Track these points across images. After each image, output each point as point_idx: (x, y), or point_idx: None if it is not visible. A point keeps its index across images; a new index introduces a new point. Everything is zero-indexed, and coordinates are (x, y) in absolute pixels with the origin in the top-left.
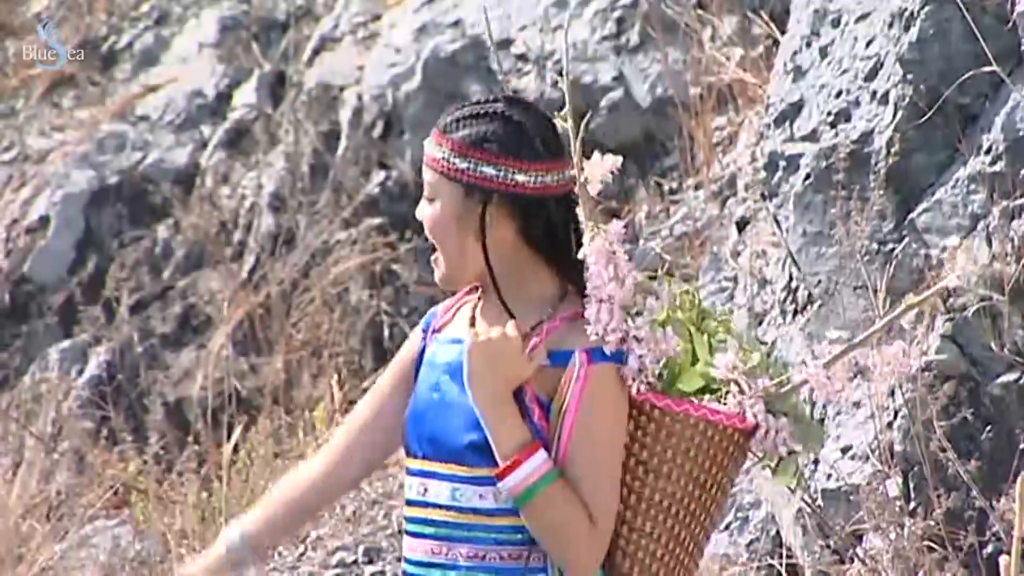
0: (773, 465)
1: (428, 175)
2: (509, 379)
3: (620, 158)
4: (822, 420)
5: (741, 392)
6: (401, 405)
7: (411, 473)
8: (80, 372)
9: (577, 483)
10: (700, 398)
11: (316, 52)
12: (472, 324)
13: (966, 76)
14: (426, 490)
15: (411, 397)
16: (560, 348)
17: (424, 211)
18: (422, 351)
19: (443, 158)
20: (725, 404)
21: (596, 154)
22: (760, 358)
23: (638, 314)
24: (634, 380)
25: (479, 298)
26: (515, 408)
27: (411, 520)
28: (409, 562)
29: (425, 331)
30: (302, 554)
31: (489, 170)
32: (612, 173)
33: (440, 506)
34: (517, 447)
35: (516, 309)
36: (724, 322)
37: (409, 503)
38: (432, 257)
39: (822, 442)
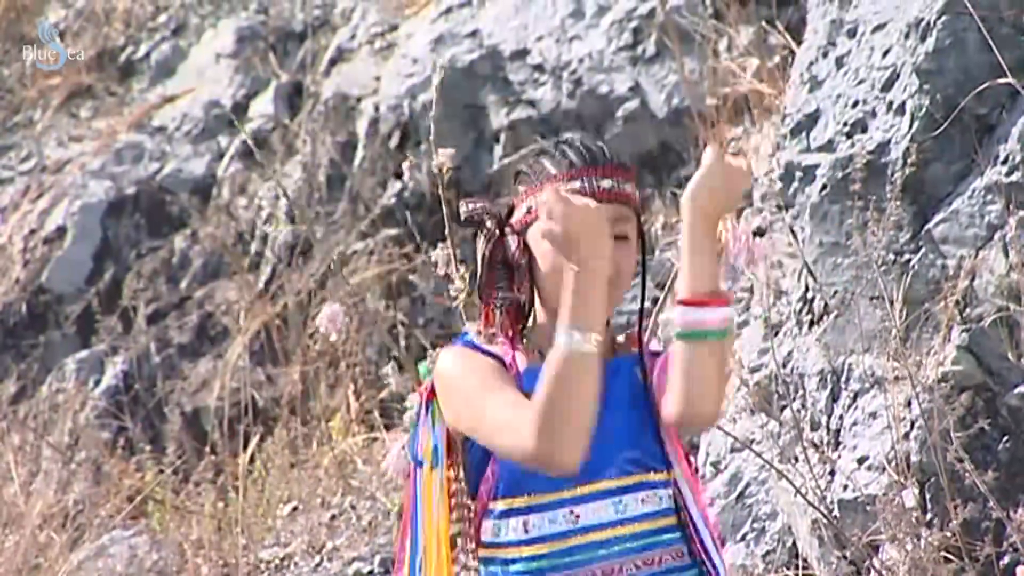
0: None
1: (622, 212)
2: (729, 204)
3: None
4: (838, 430)
5: None
6: None
7: (546, 508)
8: (97, 382)
9: None
10: None
11: (333, 62)
12: (535, 350)
13: (983, 87)
14: (578, 516)
15: None
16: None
17: (615, 253)
18: None
19: (633, 193)
20: None
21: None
22: None
23: None
24: None
25: (521, 334)
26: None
27: (560, 553)
28: None
29: (504, 364)
30: (318, 564)
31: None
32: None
33: (603, 525)
34: (713, 282)
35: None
36: None
37: (550, 538)
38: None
39: None
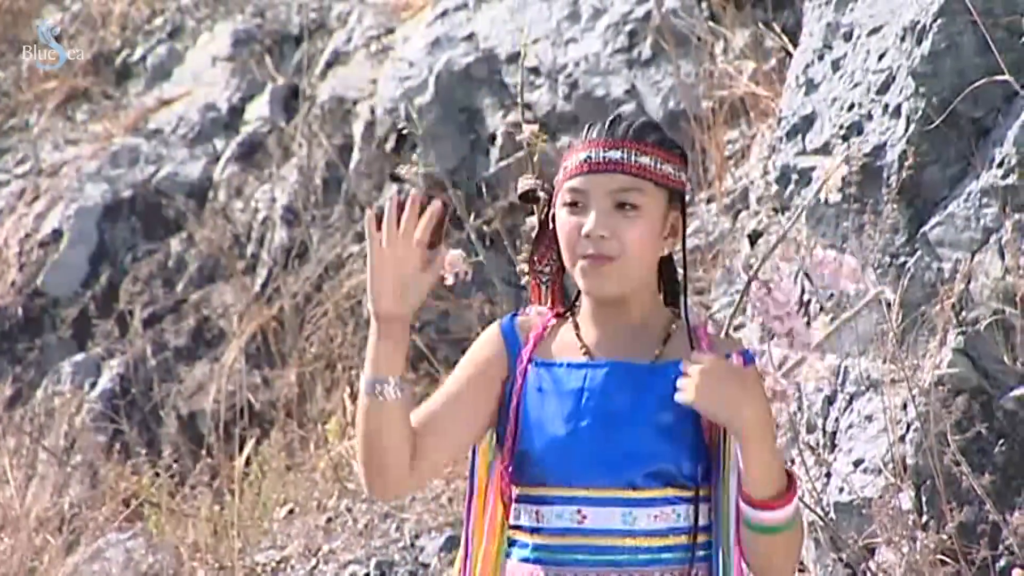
0: None
1: (628, 183)
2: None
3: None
4: (834, 433)
5: None
6: (480, 416)
7: (556, 502)
8: (93, 385)
9: None
10: None
11: (329, 65)
12: (584, 349)
13: (977, 83)
14: (585, 517)
15: (521, 424)
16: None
17: (619, 224)
18: (514, 375)
19: (651, 164)
20: None
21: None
22: None
23: None
24: None
25: (573, 318)
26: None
27: (563, 549)
28: None
29: (514, 353)
30: (314, 567)
31: (683, 176)
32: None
33: (609, 532)
34: (774, 486)
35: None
36: None
37: (553, 532)
38: (601, 269)
39: None
